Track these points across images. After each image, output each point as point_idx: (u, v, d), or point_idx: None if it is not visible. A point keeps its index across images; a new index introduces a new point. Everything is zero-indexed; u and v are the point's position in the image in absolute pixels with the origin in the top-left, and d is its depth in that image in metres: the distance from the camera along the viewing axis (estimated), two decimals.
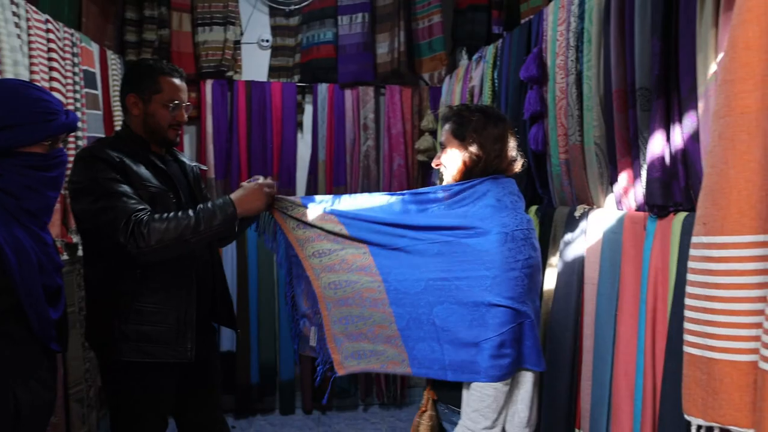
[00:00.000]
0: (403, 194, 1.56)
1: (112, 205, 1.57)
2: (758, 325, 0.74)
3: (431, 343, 1.39)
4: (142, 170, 1.72)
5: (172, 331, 1.72)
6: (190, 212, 1.60)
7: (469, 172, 1.47)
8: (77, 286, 2.46)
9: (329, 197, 1.63)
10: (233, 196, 1.66)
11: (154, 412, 1.81)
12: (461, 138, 1.47)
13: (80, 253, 2.46)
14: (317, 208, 1.61)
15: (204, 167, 2.11)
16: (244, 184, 1.72)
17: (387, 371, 1.49)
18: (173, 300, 1.73)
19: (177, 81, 1.81)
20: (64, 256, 2.34)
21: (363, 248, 1.50)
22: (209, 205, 1.64)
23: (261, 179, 1.72)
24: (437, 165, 1.54)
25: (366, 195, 1.62)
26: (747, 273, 0.76)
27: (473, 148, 1.45)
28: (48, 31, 2.19)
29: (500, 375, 1.29)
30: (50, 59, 2.17)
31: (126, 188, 1.63)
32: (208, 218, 1.60)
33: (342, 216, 1.55)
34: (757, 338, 0.74)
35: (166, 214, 1.59)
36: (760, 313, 0.74)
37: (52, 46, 2.20)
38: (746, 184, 0.75)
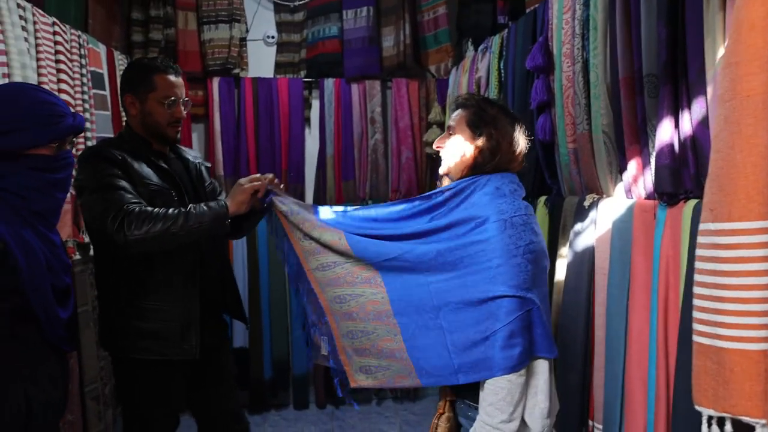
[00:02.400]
0: (407, 204, 1.52)
1: (106, 197, 1.59)
2: None
3: (439, 349, 1.37)
4: (144, 169, 1.73)
5: (176, 328, 1.74)
6: (182, 209, 1.62)
7: (477, 168, 1.42)
8: (90, 285, 2.48)
9: (332, 209, 1.61)
10: (229, 201, 1.67)
11: (164, 409, 1.83)
12: (476, 129, 1.42)
13: (92, 252, 2.48)
14: (319, 217, 1.58)
15: (208, 164, 2.11)
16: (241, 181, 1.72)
17: (396, 386, 1.48)
18: (176, 297, 1.75)
19: (171, 77, 1.80)
20: (77, 256, 2.36)
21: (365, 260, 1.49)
22: (204, 203, 1.66)
23: (265, 177, 1.70)
24: (438, 147, 1.50)
25: (368, 209, 1.59)
26: (756, 260, 0.75)
27: (486, 144, 1.41)
28: (55, 33, 2.20)
29: (513, 366, 1.28)
30: (58, 61, 2.18)
31: (124, 183, 1.64)
32: (198, 215, 1.60)
33: (343, 229, 1.53)
34: (767, 326, 0.73)
35: (157, 209, 1.60)
36: None
37: (60, 48, 2.21)
38: (753, 168, 0.73)
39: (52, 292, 1.30)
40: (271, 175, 1.72)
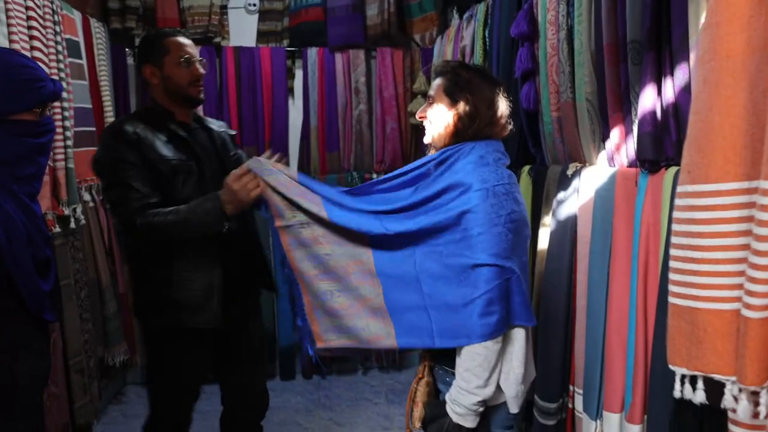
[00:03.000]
0: (395, 179, 1.51)
1: (118, 197, 1.68)
2: (741, 273, 0.74)
3: (419, 312, 1.38)
4: (162, 144, 1.76)
5: (200, 297, 1.77)
6: (179, 212, 1.66)
7: (459, 135, 1.42)
8: (71, 258, 2.46)
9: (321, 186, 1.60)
10: (222, 196, 1.64)
11: (188, 379, 1.89)
12: (453, 96, 1.42)
13: (73, 225, 2.45)
14: (305, 189, 1.56)
15: (233, 132, 2.09)
16: (231, 176, 1.64)
17: (370, 347, 1.48)
18: (199, 267, 1.78)
19: (181, 39, 1.83)
20: (56, 229, 2.33)
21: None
22: (200, 205, 1.67)
23: (261, 159, 1.65)
24: (421, 117, 1.49)
25: (354, 189, 1.59)
26: (731, 221, 0.75)
27: (464, 109, 1.40)
28: None
29: (490, 333, 1.29)
30: (30, 28, 2.12)
31: (137, 174, 1.69)
32: (193, 222, 1.66)
33: (327, 201, 1.51)
34: (740, 286, 0.74)
35: (156, 216, 1.66)
36: (743, 261, 0.73)
37: (32, 14, 2.14)
38: (731, 129, 0.73)
39: (33, 264, 1.28)
40: (267, 154, 1.73)
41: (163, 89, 1.81)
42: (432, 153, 1.50)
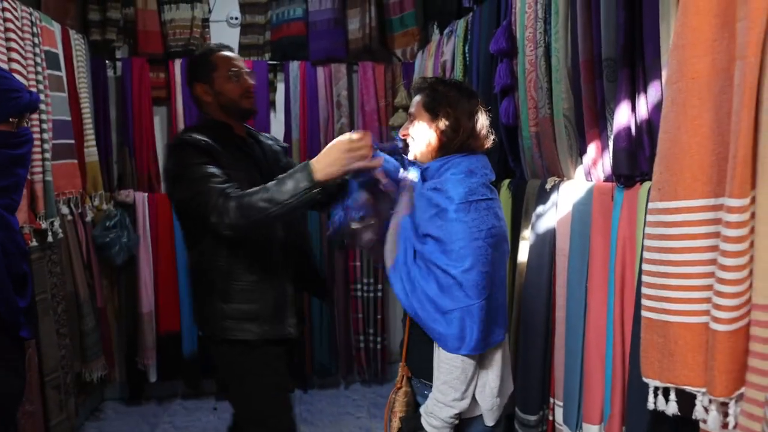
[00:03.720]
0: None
1: (202, 189, 1.60)
2: (709, 287, 0.76)
3: (408, 281, 1.41)
4: (228, 155, 1.73)
5: (271, 308, 1.76)
6: (270, 184, 1.57)
7: (444, 148, 1.44)
8: (48, 272, 2.43)
9: None
10: (315, 161, 1.54)
11: (278, 388, 1.84)
12: (433, 112, 1.44)
13: (50, 239, 2.42)
14: None
15: (285, 145, 2.10)
16: (338, 140, 1.55)
17: (374, 249, 1.56)
18: (269, 277, 1.77)
19: (227, 53, 1.84)
20: (33, 243, 2.30)
21: None
22: (289, 177, 1.55)
23: (355, 135, 1.54)
24: (404, 136, 1.51)
25: None
26: (699, 237, 0.78)
27: (445, 124, 1.42)
28: (4, 9, 2.12)
29: (463, 349, 1.31)
30: (8, 39, 2.10)
31: (214, 169, 1.64)
32: (288, 191, 1.53)
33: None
34: (708, 300, 0.76)
35: (250, 192, 1.57)
36: (711, 275, 0.76)
37: (10, 25, 2.13)
38: (698, 148, 0.76)
39: (9, 279, 1.26)
40: (360, 135, 1.55)
41: (217, 105, 1.81)
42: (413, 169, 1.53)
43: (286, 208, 1.53)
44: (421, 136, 1.46)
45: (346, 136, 1.53)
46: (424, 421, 1.37)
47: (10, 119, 1.27)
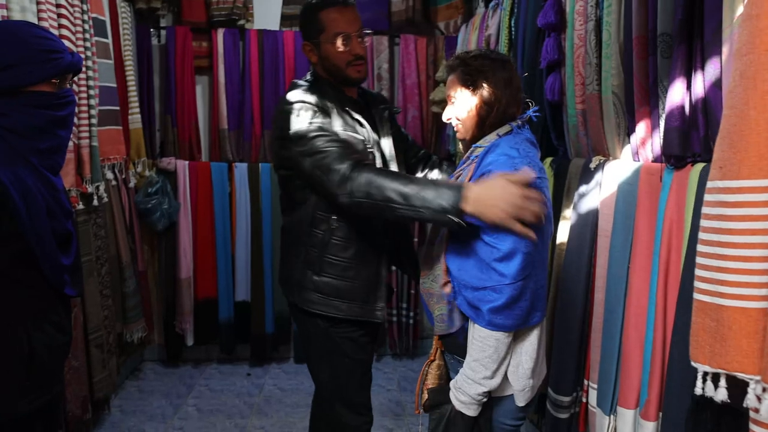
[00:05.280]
0: None
1: (331, 151, 1.49)
2: None
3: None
4: (339, 119, 1.63)
5: (364, 288, 1.68)
6: (414, 179, 1.43)
7: (483, 122, 1.41)
8: (93, 235, 2.50)
9: None
10: (473, 190, 1.31)
11: (361, 365, 1.77)
12: (472, 86, 1.41)
13: (95, 203, 2.49)
14: None
15: (398, 110, 1.97)
16: (499, 178, 1.29)
17: None
18: (366, 256, 1.68)
19: (339, 12, 1.65)
20: (80, 206, 2.37)
21: None
22: (439, 186, 1.37)
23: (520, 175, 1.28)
24: (449, 120, 1.49)
25: None
26: (761, 218, 0.74)
27: (485, 95, 1.39)
28: None
29: (500, 326, 1.29)
30: (58, 6, 2.13)
31: (337, 134, 1.55)
32: (426, 199, 1.36)
33: None
34: (767, 285, 0.73)
35: (386, 169, 1.48)
36: None
37: None
38: (767, 125, 0.72)
39: (53, 238, 1.29)
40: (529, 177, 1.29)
41: (323, 68, 1.68)
42: (462, 148, 1.50)
43: (413, 213, 1.38)
44: (464, 113, 1.43)
45: (518, 178, 1.26)
46: (453, 396, 1.37)
47: (53, 80, 1.27)
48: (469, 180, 1.39)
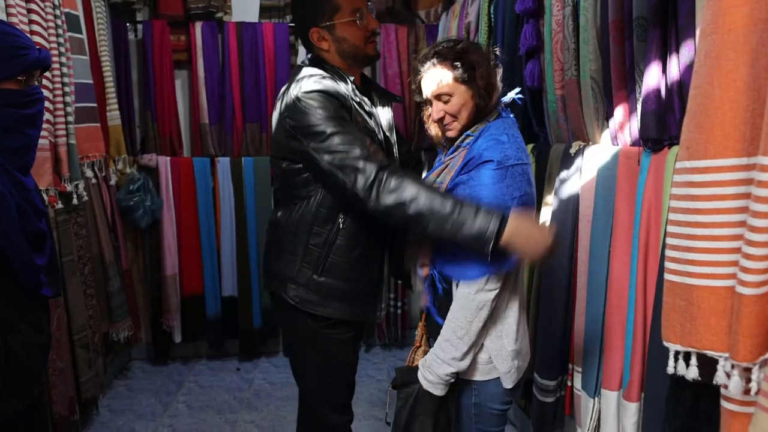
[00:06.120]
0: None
1: (349, 150, 1.40)
2: (737, 250, 0.73)
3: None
4: (358, 111, 1.55)
5: (365, 289, 1.62)
6: (450, 198, 1.32)
7: (479, 113, 1.40)
8: (74, 234, 2.47)
9: None
10: (513, 222, 1.27)
11: (348, 369, 1.72)
12: (470, 82, 1.37)
13: (75, 201, 2.46)
14: None
15: (401, 99, 1.86)
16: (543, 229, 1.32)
17: None
18: (370, 257, 1.61)
19: None
20: (59, 205, 2.34)
21: None
22: (476, 209, 1.28)
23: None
24: (439, 118, 1.42)
25: None
26: (728, 197, 0.75)
27: (482, 86, 1.37)
28: None
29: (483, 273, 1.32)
30: (28, 1, 2.09)
31: (357, 130, 1.45)
32: (460, 223, 1.28)
33: None
34: (735, 263, 0.74)
35: (415, 176, 1.38)
36: (740, 237, 0.73)
37: None
38: (731, 104, 0.72)
39: (24, 238, 1.26)
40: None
41: (338, 53, 1.58)
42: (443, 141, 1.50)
43: (439, 231, 1.31)
44: (461, 109, 1.39)
45: (552, 230, 1.34)
46: (420, 375, 1.38)
47: (18, 77, 1.24)
48: (459, 166, 1.39)
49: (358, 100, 1.55)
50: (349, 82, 1.55)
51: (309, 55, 1.66)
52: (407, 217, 1.34)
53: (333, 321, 1.62)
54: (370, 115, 1.58)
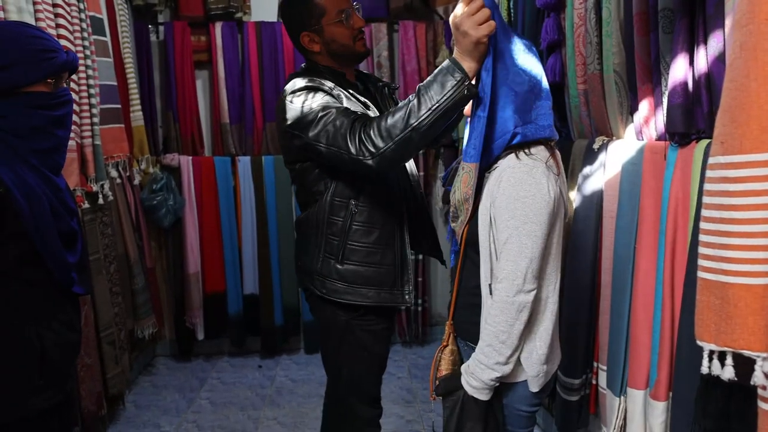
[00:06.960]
0: None
1: (337, 122, 1.45)
2: None
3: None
4: (350, 101, 1.61)
5: (390, 273, 1.65)
6: (410, 97, 1.38)
7: None
8: (100, 233, 2.51)
9: None
10: (456, 52, 1.29)
11: (380, 355, 1.74)
12: None
13: (101, 201, 2.49)
14: None
15: (396, 86, 1.93)
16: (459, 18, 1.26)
17: None
18: (389, 239, 1.65)
19: None
20: (85, 205, 2.38)
21: None
22: (429, 79, 1.35)
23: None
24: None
25: None
26: (765, 193, 0.73)
27: None
28: None
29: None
30: (55, 5, 2.13)
31: (342, 105, 1.52)
32: (429, 95, 1.33)
33: None
34: None
35: (385, 116, 1.41)
36: None
37: None
38: None
39: (58, 236, 1.30)
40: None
41: (329, 54, 1.65)
42: None
43: (436, 113, 1.33)
44: None
45: (460, 10, 1.24)
46: (464, 381, 1.36)
47: (48, 80, 1.27)
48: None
49: (346, 89, 1.61)
50: (339, 77, 1.64)
51: (303, 64, 1.75)
52: (403, 140, 1.37)
53: (362, 311, 1.65)
54: (366, 105, 1.64)
